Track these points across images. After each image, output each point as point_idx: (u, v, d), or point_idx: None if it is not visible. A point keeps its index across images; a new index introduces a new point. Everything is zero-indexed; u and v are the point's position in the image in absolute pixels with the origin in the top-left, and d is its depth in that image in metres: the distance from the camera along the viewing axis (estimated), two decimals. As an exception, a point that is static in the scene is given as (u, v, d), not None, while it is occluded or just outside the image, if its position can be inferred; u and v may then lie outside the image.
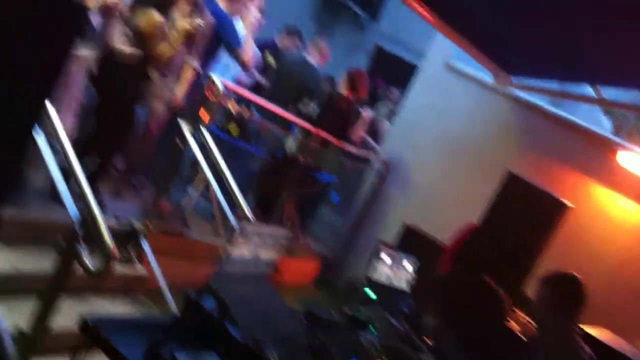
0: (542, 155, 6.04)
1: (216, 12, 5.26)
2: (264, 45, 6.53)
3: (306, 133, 5.80)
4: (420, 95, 6.98)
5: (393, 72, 9.65)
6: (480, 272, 2.68)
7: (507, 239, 5.09)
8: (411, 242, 5.83)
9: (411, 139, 6.82)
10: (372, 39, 11.54)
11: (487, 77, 6.30)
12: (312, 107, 6.00)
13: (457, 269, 4.70)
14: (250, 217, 4.37)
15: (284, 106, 5.68)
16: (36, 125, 1.91)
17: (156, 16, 4.42)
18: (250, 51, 5.70)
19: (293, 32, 6.93)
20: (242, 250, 2.23)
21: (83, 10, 1.84)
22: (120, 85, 4.36)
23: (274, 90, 6.13)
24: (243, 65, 5.72)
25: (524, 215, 5.24)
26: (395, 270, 3.43)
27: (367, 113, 6.52)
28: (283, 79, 6.23)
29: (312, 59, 6.42)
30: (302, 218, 6.30)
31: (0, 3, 1.65)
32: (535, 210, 5.30)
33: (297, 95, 6.08)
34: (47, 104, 2.75)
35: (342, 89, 6.11)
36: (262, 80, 6.34)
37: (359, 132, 6.37)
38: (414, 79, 7.09)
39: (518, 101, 6.30)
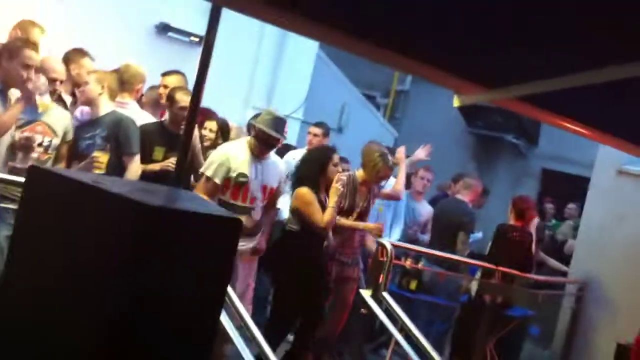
0: None
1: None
2: (438, 201, 6.83)
3: (486, 272, 5.78)
4: (597, 207, 6.75)
5: (566, 190, 9.43)
6: None
7: None
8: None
9: (599, 252, 6.54)
10: (535, 163, 11.45)
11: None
12: (472, 239, 6.01)
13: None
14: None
15: (449, 247, 5.76)
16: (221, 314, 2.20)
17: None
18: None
19: (458, 178, 7.16)
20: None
21: (237, 222, 2.17)
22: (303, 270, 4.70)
23: (436, 236, 6.25)
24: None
25: None
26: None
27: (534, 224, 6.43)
28: (438, 221, 6.38)
29: (463, 197, 6.50)
30: (506, 359, 6.09)
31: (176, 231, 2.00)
32: None
33: (454, 232, 6.12)
34: (230, 292, 3.09)
35: (511, 219, 6.09)
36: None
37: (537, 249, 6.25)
38: (588, 192, 6.92)
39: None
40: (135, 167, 4.45)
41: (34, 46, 4.08)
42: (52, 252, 1.97)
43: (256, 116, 4.96)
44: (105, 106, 4.51)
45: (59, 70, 4.41)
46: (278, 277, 4.84)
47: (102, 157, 4.34)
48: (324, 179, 4.82)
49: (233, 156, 4.57)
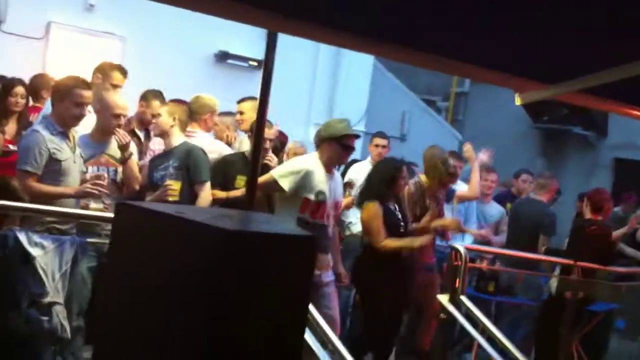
0: None
1: None
2: (502, 198, 6.76)
3: (564, 269, 5.68)
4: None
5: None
6: None
7: None
8: None
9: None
10: (606, 154, 11.18)
11: None
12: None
13: None
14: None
15: (527, 249, 5.69)
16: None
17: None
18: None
19: (520, 174, 7.09)
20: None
21: (313, 240, 2.23)
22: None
23: (513, 238, 6.17)
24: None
25: None
26: None
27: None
28: (515, 223, 6.29)
29: (540, 197, 6.38)
30: (592, 356, 5.95)
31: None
32: None
33: (533, 234, 6.02)
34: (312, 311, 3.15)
35: (587, 213, 5.96)
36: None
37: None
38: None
39: None
40: (205, 194, 4.61)
41: (84, 85, 4.10)
42: (141, 280, 2.08)
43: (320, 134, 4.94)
44: (177, 137, 4.68)
45: (122, 106, 4.44)
46: (369, 293, 4.86)
47: (174, 185, 4.51)
48: (392, 192, 4.85)
49: (313, 172, 4.51)
